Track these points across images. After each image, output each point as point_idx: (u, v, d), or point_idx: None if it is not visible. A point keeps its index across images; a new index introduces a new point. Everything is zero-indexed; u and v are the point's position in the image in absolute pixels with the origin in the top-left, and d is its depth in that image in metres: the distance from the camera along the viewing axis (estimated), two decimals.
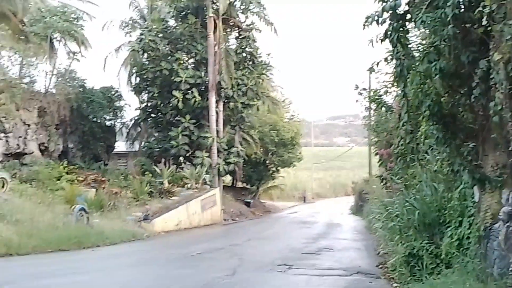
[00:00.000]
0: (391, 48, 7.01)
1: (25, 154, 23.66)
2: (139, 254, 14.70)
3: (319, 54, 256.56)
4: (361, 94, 15.34)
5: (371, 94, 15.87)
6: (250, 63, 29.34)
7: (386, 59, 7.12)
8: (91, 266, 12.20)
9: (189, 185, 24.21)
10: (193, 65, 27.09)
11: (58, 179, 21.50)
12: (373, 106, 17.38)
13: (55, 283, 9.80)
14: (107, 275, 11.26)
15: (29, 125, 24.16)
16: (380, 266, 11.77)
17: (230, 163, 27.50)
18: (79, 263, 12.46)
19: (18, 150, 23.31)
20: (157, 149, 26.92)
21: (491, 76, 5.51)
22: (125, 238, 16.59)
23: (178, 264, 12.82)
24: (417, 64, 6.73)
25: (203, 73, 26.60)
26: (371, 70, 7.20)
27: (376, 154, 19.61)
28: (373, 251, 14.34)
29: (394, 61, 7.00)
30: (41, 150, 24.83)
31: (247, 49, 29.39)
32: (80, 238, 14.84)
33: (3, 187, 16.95)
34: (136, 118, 29.99)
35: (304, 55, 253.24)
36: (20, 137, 23.56)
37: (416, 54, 7.12)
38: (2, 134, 22.29)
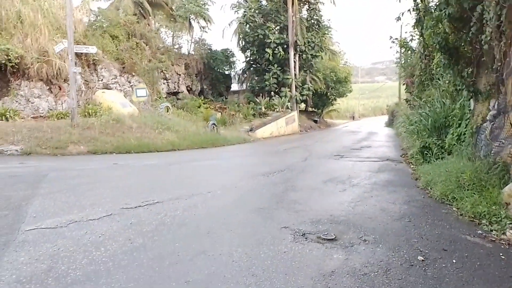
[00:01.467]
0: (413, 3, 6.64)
1: (178, 92, 24.82)
2: (248, 150, 15.34)
3: (366, 12, 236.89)
4: (394, 42, 14.33)
5: (401, 41, 14.89)
6: (317, 27, 28.07)
7: (409, 10, 6.67)
8: (220, 155, 12.97)
9: (277, 109, 24.38)
10: (278, 31, 26.35)
11: (198, 107, 22.55)
12: (402, 50, 16.59)
13: (200, 163, 10.67)
14: (230, 159, 11.99)
15: (180, 75, 25.15)
16: (403, 155, 11.55)
17: (304, 95, 27.21)
18: (213, 154, 13.28)
19: (174, 90, 24.50)
20: (257, 87, 27.08)
21: (484, 16, 5.11)
22: (239, 141, 17.30)
23: (271, 155, 13.31)
24: (431, 11, 6.31)
25: (285, 36, 25.90)
26: (398, 18, 6.77)
27: (404, 84, 18.78)
28: (399, 148, 14.00)
29: (416, 11, 6.64)
30: (187, 90, 25.89)
31: (314, 17, 28.08)
32: (213, 141, 15.73)
33: (168, 111, 18.09)
34: (243, 68, 30.11)
35: (355, 14, 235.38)
36: (175, 82, 24.67)
37: (431, 5, 6.62)
38: (165, 81, 23.49)
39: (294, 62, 26.31)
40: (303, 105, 31.11)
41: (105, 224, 4.62)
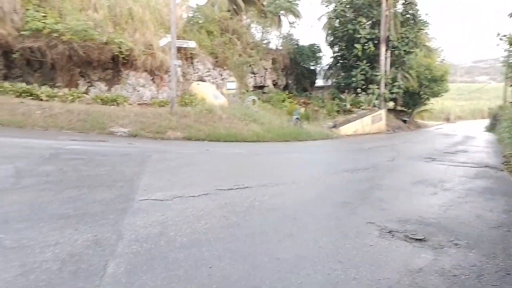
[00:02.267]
0: None
1: (264, 86, 25.47)
2: (331, 146, 15.27)
3: (468, 5, 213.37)
4: (501, 39, 12.96)
5: (510, 38, 13.35)
6: (412, 21, 26.42)
7: None
8: (303, 149, 13.16)
9: (363, 106, 23.64)
10: (369, 25, 25.43)
11: (283, 101, 22.92)
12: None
13: (284, 156, 11.00)
14: (313, 154, 12.13)
15: (266, 69, 25.78)
16: (505, 163, 10.50)
17: (393, 93, 25.88)
18: (296, 148, 13.52)
19: (260, 84, 25.21)
20: (343, 84, 26.55)
21: None
22: (322, 137, 17.27)
23: (355, 152, 13.11)
24: None
25: (376, 31, 24.91)
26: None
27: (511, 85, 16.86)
28: (500, 155, 12.71)
29: None
30: (273, 84, 26.44)
31: (410, 11, 26.45)
32: (296, 135, 15.95)
33: (254, 104, 18.78)
34: (330, 63, 29.68)
35: (455, 7, 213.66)
36: (262, 76, 25.37)
37: None
38: (252, 75, 24.32)
39: (385, 58, 25.17)
40: (391, 104, 29.65)
41: (203, 201, 5.16)
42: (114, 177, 6.18)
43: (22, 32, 13.50)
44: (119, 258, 3.32)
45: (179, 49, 17.17)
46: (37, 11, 13.95)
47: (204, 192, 5.58)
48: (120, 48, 15.23)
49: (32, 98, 12.74)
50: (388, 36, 24.83)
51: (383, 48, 24.72)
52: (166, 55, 16.54)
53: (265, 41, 27.05)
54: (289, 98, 23.88)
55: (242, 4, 25.20)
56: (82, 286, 2.85)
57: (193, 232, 4.04)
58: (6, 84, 13.14)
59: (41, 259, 3.15)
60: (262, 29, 26.82)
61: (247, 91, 22.08)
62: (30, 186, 5.17)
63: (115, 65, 16.15)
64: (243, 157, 10.09)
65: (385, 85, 25.24)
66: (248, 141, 13.63)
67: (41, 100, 12.78)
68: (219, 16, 21.88)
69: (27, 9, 13.89)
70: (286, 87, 27.53)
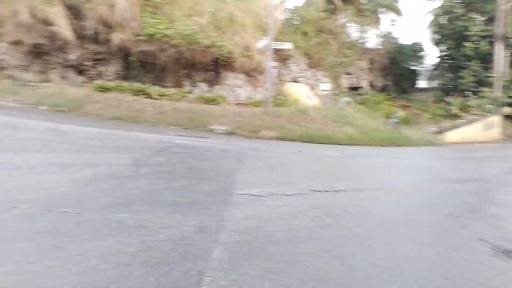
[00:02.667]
0: None
1: (359, 87, 24.67)
2: (434, 153, 14.16)
3: None
4: None
5: None
6: None
7: None
8: (402, 155, 12.43)
9: (473, 111, 21.31)
10: (482, 22, 22.81)
11: (380, 103, 21.93)
12: None
13: (380, 160, 10.52)
14: (413, 160, 11.38)
15: (362, 70, 24.95)
16: None
17: (510, 97, 22.81)
18: (394, 153, 12.83)
19: (355, 85, 24.49)
20: (449, 85, 24.27)
21: None
22: (423, 143, 16.08)
23: (463, 161, 11.93)
24: None
25: (490, 27, 22.22)
26: None
27: None
28: None
29: None
30: (369, 85, 25.45)
31: None
32: (394, 140, 15.11)
33: (348, 105, 18.32)
34: (434, 64, 27.43)
35: None
36: (357, 77, 24.63)
37: None
38: (347, 75, 23.75)
39: (501, 57, 22.30)
40: (508, 109, 26.17)
41: (297, 201, 5.25)
42: (215, 171, 6.64)
43: (138, 37, 15.25)
44: (222, 245, 3.57)
45: (274, 51, 17.59)
46: (152, 18, 15.60)
47: (298, 191, 5.66)
48: (220, 51, 16.20)
49: (145, 97, 14.33)
50: (504, 33, 21.95)
51: (498, 47, 21.94)
52: (262, 56, 17.09)
53: (362, 41, 26.15)
54: (386, 100, 22.74)
55: (339, 4, 24.74)
56: (190, 267, 3.14)
57: (289, 229, 4.14)
58: (125, 83, 15.01)
59: (157, 239, 3.56)
60: (359, 28, 26.00)
61: (341, 92, 21.63)
62: (146, 175, 5.85)
63: (216, 67, 17.23)
64: (337, 160, 9.94)
65: (501, 88, 22.37)
66: (341, 144, 13.36)
67: (153, 98, 14.29)
68: (315, 16, 21.83)
69: (144, 17, 15.63)
70: (383, 89, 26.24)
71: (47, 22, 14.42)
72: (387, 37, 27.11)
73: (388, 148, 14.16)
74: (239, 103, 16.90)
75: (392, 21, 27.01)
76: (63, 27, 14.41)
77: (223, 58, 16.52)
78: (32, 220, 3.76)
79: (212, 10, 17.31)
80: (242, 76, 17.89)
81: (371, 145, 14.04)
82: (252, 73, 18.03)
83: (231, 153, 9.01)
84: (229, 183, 5.91)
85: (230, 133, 12.47)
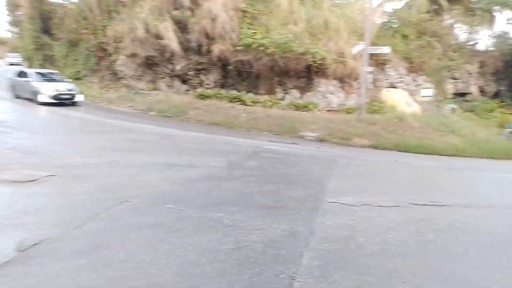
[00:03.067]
0: None
1: (467, 93, 22.29)
2: None
3: None
4: None
5: None
6: None
7: None
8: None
9: None
10: None
11: (491, 111, 19.53)
12: None
13: (490, 174, 9.33)
14: None
15: (471, 74, 22.51)
16: None
17: None
18: (506, 167, 11.28)
19: (462, 91, 22.22)
20: None
21: None
22: None
23: None
24: None
25: None
26: None
27: None
28: None
29: None
30: (479, 91, 22.84)
31: None
32: (507, 152, 13.27)
33: (453, 113, 16.71)
34: None
35: None
36: (464, 82, 22.31)
37: None
38: (453, 80, 21.68)
39: None
40: None
41: (393, 213, 4.95)
42: (305, 177, 6.63)
43: (236, 48, 16.06)
44: (312, 252, 3.55)
45: (370, 56, 16.90)
46: (249, 28, 16.29)
47: (394, 203, 5.33)
48: (314, 57, 16.15)
49: (240, 103, 15.00)
50: None
51: None
52: (357, 62, 16.57)
53: (472, 43, 23.61)
54: (500, 107, 20.12)
55: (445, 3, 22.73)
56: (281, 270, 3.19)
57: (383, 242, 3.93)
58: (223, 91, 15.94)
59: (250, 240, 3.69)
60: (468, 29, 23.54)
61: (445, 98, 19.80)
62: (239, 177, 6.11)
63: (308, 73, 17.22)
64: (439, 171, 9.10)
65: None
66: (443, 154, 12.17)
67: (247, 105, 14.89)
68: (417, 18, 20.40)
69: (242, 28, 16.42)
70: (496, 95, 23.26)
71: (158, 37, 16.07)
72: (502, 37, 24.03)
73: (501, 161, 12.47)
74: (331, 110, 16.61)
75: (508, 20, 23.90)
76: (171, 40, 15.91)
77: (316, 64, 16.44)
78: (141, 214, 4.22)
79: (306, 17, 17.40)
80: (335, 82, 17.56)
81: (480, 157, 12.50)
82: (345, 79, 17.58)
83: (322, 159, 8.89)
84: (319, 190, 5.85)
85: (320, 140, 12.31)
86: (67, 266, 2.97)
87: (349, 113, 15.56)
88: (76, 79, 20.69)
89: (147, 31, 16.06)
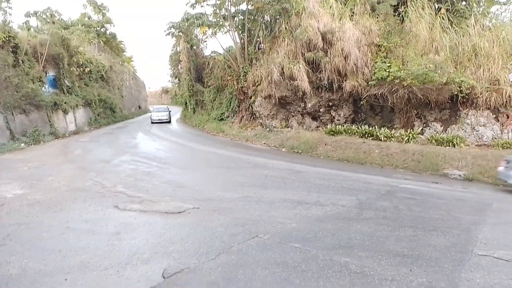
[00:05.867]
0: None
1: None
2: None
3: None
4: None
5: None
6: None
7: None
8: None
9: None
10: None
11: None
12: None
13: None
14: None
15: None
16: None
17: None
18: None
19: None
20: None
21: None
22: None
23: None
24: None
25: None
26: None
27: None
28: None
29: None
30: None
31: None
32: None
33: None
34: None
35: None
36: None
37: None
38: None
39: None
40: None
41: None
42: (448, 223, 5.79)
43: (369, 82, 15.66)
44: None
45: None
46: (384, 62, 15.75)
47: None
48: (460, 87, 14.51)
49: (372, 139, 14.34)
50: None
51: None
52: None
53: None
54: None
55: None
56: None
57: None
58: (353, 127, 15.57)
59: None
60: None
61: None
62: (369, 219, 5.74)
63: (453, 104, 15.47)
64: None
65: None
66: None
67: (380, 140, 14.13)
68: None
69: (375, 62, 15.99)
70: None
71: (291, 78, 16.93)
72: None
73: None
74: (482, 145, 14.40)
75: None
76: (303, 80, 16.53)
77: (462, 94, 14.70)
78: (269, 250, 4.32)
79: (449, 44, 15.91)
80: (487, 113, 15.27)
81: None
82: (500, 109, 15.13)
83: (470, 202, 7.67)
84: (466, 239, 5.03)
85: (468, 179, 10.70)
86: None
87: (505, 148, 13.23)
88: (220, 120, 23.25)
89: (282, 73, 17.10)
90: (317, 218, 5.69)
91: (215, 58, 23.20)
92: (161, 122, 27.71)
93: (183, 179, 8.95)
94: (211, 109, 25.49)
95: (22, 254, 4.18)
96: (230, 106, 23.09)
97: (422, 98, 14.89)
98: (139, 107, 42.92)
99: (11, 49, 16.34)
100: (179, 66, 31.60)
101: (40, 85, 18.25)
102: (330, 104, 17.49)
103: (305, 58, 16.93)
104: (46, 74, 19.73)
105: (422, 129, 15.40)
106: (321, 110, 17.74)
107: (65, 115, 20.52)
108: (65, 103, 20.24)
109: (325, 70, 16.48)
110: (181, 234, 4.91)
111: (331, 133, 15.53)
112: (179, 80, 35.02)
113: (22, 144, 14.93)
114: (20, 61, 16.80)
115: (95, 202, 6.50)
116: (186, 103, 31.29)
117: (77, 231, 4.97)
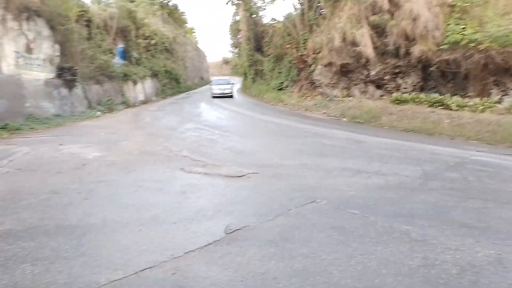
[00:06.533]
0: None
1: None
2: None
3: None
4: None
5: None
6: None
7: None
8: None
9: None
10: None
11: None
12: None
13: None
14: None
15: None
16: None
17: None
18: None
19: None
20: None
21: None
22: None
23: None
24: None
25: None
26: None
27: None
28: None
29: None
30: None
31: None
32: None
33: None
34: None
35: None
36: None
37: None
38: None
39: None
40: None
41: None
42: None
43: (440, 47, 14.43)
44: None
45: None
46: (457, 24, 14.36)
47: None
48: None
49: (442, 108, 13.38)
50: None
51: None
52: None
53: None
54: None
55: None
56: None
57: None
58: (422, 95, 14.61)
59: (441, 259, 3.28)
60: None
61: None
62: (435, 189, 5.49)
63: None
64: None
65: None
66: None
67: (451, 109, 13.14)
68: None
69: (448, 24, 14.63)
70: None
71: (354, 44, 16.18)
72: None
73: None
74: None
75: None
76: (367, 46, 15.72)
77: None
78: (326, 215, 4.37)
79: None
80: None
81: None
82: None
83: None
84: None
85: None
86: (259, 252, 3.40)
87: None
88: (279, 89, 23.16)
89: (344, 39, 16.41)
90: (378, 187, 5.57)
91: (274, 26, 22.86)
92: (223, 97, 25.02)
93: (243, 146, 9.20)
94: (270, 78, 25.43)
95: (102, 207, 4.68)
96: (289, 75, 22.84)
97: (501, 63, 13.43)
98: (201, 78, 44.19)
99: (84, 23, 17.52)
100: (239, 36, 31.67)
101: (111, 57, 19.51)
102: (396, 71, 16.51)
103: (369, 22, 16.00)
104: (116, 46, 20.98)
105: (500, 98, 13.98)
106: (385, 77, 16.84)
107: (134, 86, 21.82)
108: (134, 74, 21.48)
109: (391, 35, 15.48)
110: (241, 195, 5.14)
111: (397, 102, 14.77)
112: (239, 50, 35.20)
113: (98, 112, 16.28)
114: (93, 34, 18.00)
115: (163, 165, 6.99)
116: (245, 73, 31.53)
117: (148, 189, 5.42)
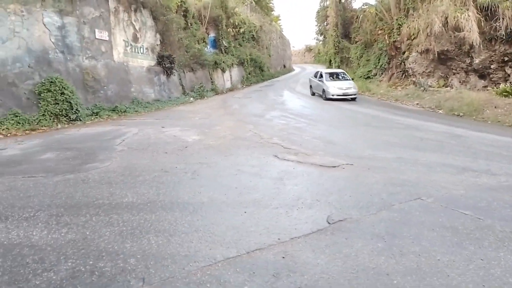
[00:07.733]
0: None
1: None
2: None
3: None
4: None
5: None
6: None
7: None
8: None
9: None
10: None
11: None
12: None
13: None
14: None
15: None
16: None
17: None
18: None
19: None
20: None
21: None
22: None
23: None
24: None
25: None
26: None
27: None
28: None
29: None
30: None
31: None
32: None
33: None
34: None
35: None
36: None
37: None
38: None
39: None
40: None
41: None
42: None
43: None
44: None
45: None
46: None
47: None
48: None
49: None
50: None
51: None
52: None
53: None
54: None
55: None
56: None
57: None
58: None
59: None
60: None
61: None
62: None
63: None
64: None
65: None
66: None
67: None
68: None
69: None
70: None
71: (456, 29, 14.68)
72: None
73: None
74: None
75: None
76: (472, 31, 14.13)
77: None
78: (434, 214, 4.09)
79: None
80: None
81: None
82: None
83: None
84: None
85: None
86: (367, 245, 3.32)
87: None
88: (366, 78, 22.15)
89: (445, 24, 14.98)
90: (489, 187, 5.05)
91: (365, 11, 21.76)
92: (344, 99, 16.65)
93: (331, 136, 9.03)
94: (357, 66, 24.44)
95: (207, 187, 5.00)
96: (378, 63, 21.68)
97: None
98: (284, 66, 44.17)
99: (182, 13, 18.59)
100: (326, 22, 30.81)
101: (203, 46, 20.47)
102: (506, 59, 14.64)
103: (476, 4, 14.35)
104: (208, 35, 21.94)
105: None
106: (492, 66, 15.06)
107: (223, 73, 22.70)
108: (223, 62, 22.30)
109: (503, 18, 13.71)
110: (338, 186, 5.06)
111: (505, 93, 13.16)
112: (324, 37, 34.33)
113: (191, 98, 17.31)
114: (189, 24, 19.03)
115: (257, 150, 7.19)
116: (330, 60, 30.72)
117: (247, 174, 5.63)
